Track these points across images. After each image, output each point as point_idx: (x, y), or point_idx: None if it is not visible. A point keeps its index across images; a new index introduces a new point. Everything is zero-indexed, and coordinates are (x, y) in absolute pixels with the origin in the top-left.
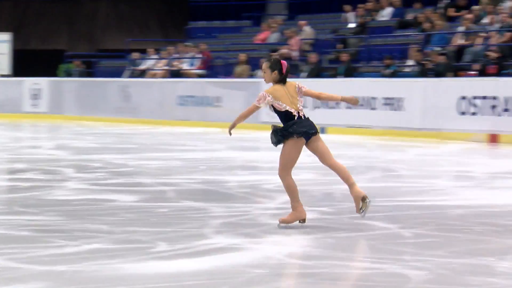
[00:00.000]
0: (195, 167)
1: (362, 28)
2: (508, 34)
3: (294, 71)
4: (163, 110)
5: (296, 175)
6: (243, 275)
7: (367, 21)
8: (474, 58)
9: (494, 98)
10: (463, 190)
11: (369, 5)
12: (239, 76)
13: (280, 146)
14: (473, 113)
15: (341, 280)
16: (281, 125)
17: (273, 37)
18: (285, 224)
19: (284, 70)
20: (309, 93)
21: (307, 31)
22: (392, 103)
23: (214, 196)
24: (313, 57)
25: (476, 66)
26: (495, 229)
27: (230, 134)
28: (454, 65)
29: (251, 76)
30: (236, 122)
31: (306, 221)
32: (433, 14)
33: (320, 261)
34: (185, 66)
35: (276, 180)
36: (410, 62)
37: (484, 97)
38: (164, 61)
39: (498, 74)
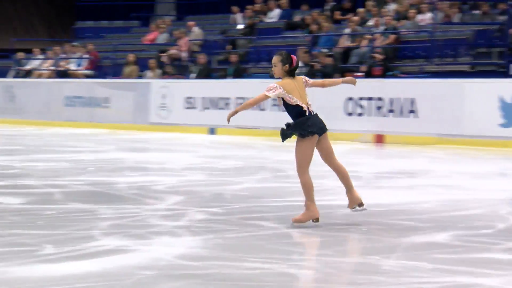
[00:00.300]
0: (83, 168)
1: (250, 29)
2: (392, 36)
3: (183, 72)
4: (49, 111)
5: (185, 176)
6: (131, 276)
7: (256, 23)
8: (360, 59)
9: (380, 99)
10: None
11: (257, 6)
12: (128, 76)
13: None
14: (360, 114)
15: (230, 281)
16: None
17: (162, 38)
18: (299, 223)
19: (294, 64)
20: (315, 84)
21: (196, 32)
22: None
23: (103, 198)
24: (202, 58)
25: (363, 67)
26: (381, 228)
27: (229, 121)
28: (341, 66)
29: (140, 76)
30: (239, 110)
31: (319, 220)
32: (320, 16)
33: (210, 262)
34: (72, 66)
35: (165, 181)
36: (299, 64)
37: (370, 98)
38: (50, 61)
39: (384, 75)
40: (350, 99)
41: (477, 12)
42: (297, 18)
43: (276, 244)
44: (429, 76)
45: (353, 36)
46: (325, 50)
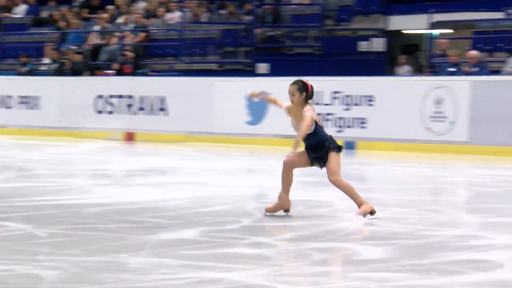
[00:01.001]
0: None
1: None
2: (142, 34)
3: None
4: None
5: None
6: None
7: (1, 18)
8: (110, 57)
9: (130, 97)
10: (100, 188)
11: (2, 1)
12: None
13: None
14: (110, 112)
15: None
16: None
17: None
18: (363, 215)
19: (310, 91)
20: None
21: None
22: (28, 101)
23: None
24: None
25: (114, 65)
26: (130, 226)
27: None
28: (91, 64)
29: None
30: (299, 139)
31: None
32: (68, 13)
33: None
34: None
35: None
36: (47, 61)
37: (120, 96)
38: None
39: (134, 73)
40: (100, 96)
41: (224, 11)
42: (44, 14)
43: (21, 245)
44: (179, 74)
45: (103, 33)
46: (74, 47)
